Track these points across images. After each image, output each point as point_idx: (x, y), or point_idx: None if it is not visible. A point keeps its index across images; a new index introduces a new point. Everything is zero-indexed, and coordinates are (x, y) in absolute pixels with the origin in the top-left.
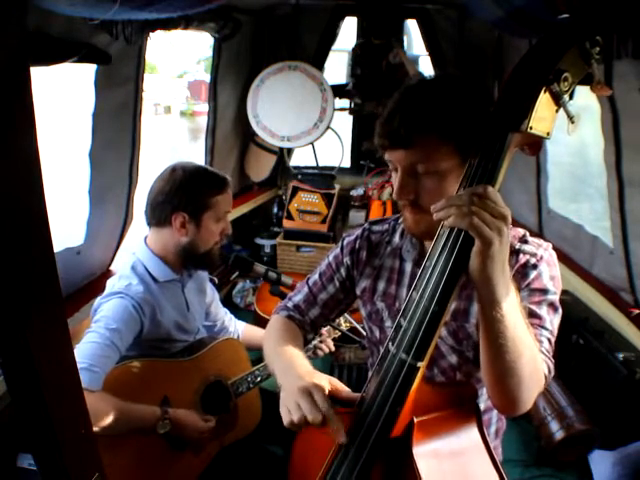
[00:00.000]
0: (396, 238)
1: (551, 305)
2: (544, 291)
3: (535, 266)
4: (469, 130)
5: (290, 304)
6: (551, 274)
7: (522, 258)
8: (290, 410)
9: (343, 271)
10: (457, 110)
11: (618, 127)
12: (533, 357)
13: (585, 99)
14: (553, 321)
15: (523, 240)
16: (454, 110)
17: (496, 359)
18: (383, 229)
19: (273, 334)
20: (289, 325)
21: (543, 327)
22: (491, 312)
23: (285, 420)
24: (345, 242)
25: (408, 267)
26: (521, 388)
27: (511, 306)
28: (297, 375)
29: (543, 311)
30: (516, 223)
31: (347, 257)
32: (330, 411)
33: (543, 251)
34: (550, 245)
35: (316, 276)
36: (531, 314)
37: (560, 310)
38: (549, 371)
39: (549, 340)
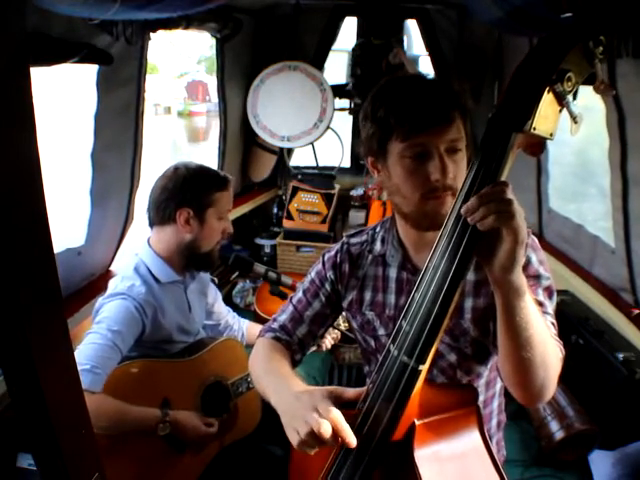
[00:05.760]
0: (377, 246)
1: (547, 289)
2: (538, 277)
3: None
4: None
5: (275, 325)
6: (539, 259)
7: None
8: (298, 430)
9: (328, 286)
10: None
11: (624, 126)
12: (553, 343)
13: (586, 99)
14: (551, 306)
15: None
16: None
17: (527, 352)
18: (362, 240)
19: (261, 357)
20: (276, 347)
21: (547, 313)
22: (519, 302)
23: (294, 441)
24: (326, 258)
25: (393, 272)
26: (549, 376)
27: (529, 294)
28: (294, 395)
29: (541, 297)
30: None
31: (330, 271)
32: (339, 419)
33: None
34: (530, 230)
35: (300, 294)
36: None
37: (555, 293)
38: (561, 353)
39: (553, 324)
